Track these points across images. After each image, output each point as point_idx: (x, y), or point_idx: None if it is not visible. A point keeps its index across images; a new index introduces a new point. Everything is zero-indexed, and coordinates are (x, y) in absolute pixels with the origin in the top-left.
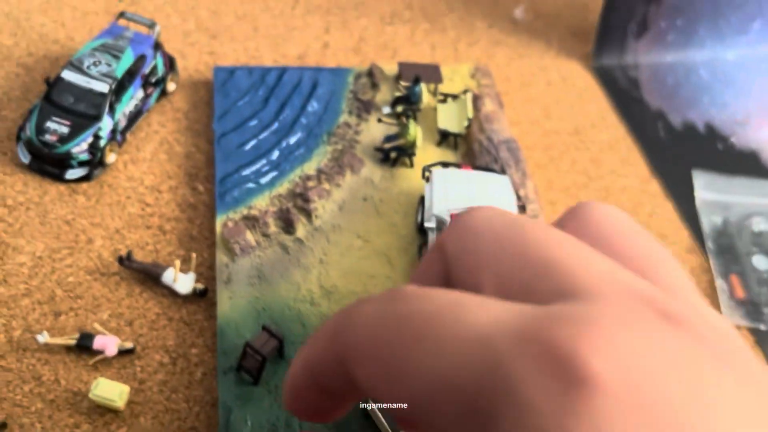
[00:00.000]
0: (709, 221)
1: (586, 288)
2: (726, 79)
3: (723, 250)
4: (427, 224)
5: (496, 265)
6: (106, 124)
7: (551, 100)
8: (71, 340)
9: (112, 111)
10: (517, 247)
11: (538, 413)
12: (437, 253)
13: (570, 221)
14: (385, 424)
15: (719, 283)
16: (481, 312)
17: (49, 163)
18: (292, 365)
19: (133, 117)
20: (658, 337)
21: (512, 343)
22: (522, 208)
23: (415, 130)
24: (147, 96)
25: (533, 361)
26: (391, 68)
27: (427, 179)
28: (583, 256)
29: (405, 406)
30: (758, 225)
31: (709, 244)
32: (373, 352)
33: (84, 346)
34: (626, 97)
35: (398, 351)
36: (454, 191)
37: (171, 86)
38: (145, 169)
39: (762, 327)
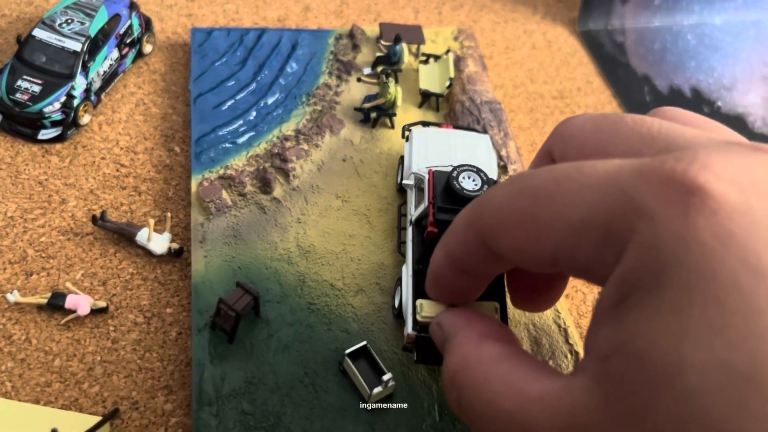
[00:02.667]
0: None
1: (685, 144)
2: (713, 45)
3: None
4: (405, 182)
5: (601, 145)
6: (79, 83)
7: (536, 64)
8: (42, 299)
9: (85, 70)
10: (617, 126)
11: (666, 218)
12: (544, 152)
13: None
14: (361, 380)
15: None
16: (601, 165)
17: (21, 123)
18: (433, 256)
19: (108, 78)
20: (760, 160)
21: (636, 177)
22: (503, 168)
23: (395, 90)
24: (122, 57)
25: (656, 185)
26: (373, 29)
27: (407, 138)
28: (672, 127)
29: (549, 254)
30: None
31: None
32: (514, 219)
33: (56, 305)
34: (612, 61)
35: (537, 211)
36: (433, 149)
37: (147, 48)
38: (120, 131)
39: None
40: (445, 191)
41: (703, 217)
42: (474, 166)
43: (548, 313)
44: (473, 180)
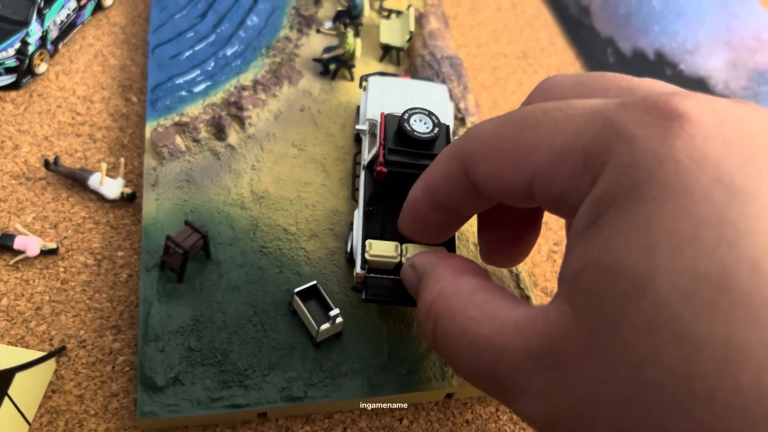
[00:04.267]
0: None
1: (660, 90)
2: (678, 10)
3: None
4: (359, 127)
5: (582, 96)
6: (34, 31)
7: (500, 24)
8: None
9: (41, 17)
10: (597, 80)
11: (644, 140)
12: (526, 105)
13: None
14: (310, 317)
15: None
16: (589, 101)
17: None
18: (412, 190)
19: (66, 28)
20: (739, 104)
21: (619, 107)
22: (461, 120)
23: (354, 41)
24: (81, 7)
25: (638, 112)
26: None
27: (365, 88)
28: (651, 81)
29: (526, 182)
30: None
31: None
32: (495, 144)
33: (4, 245)
34: (577, 24)
35: (519, 136)
36: (389, 97)
37: (108, 1)
38: (77, 80)
39: None
40: (396, 134)
41: (680, 140)
42: (425, 109)
43: None
44: (424, 123)
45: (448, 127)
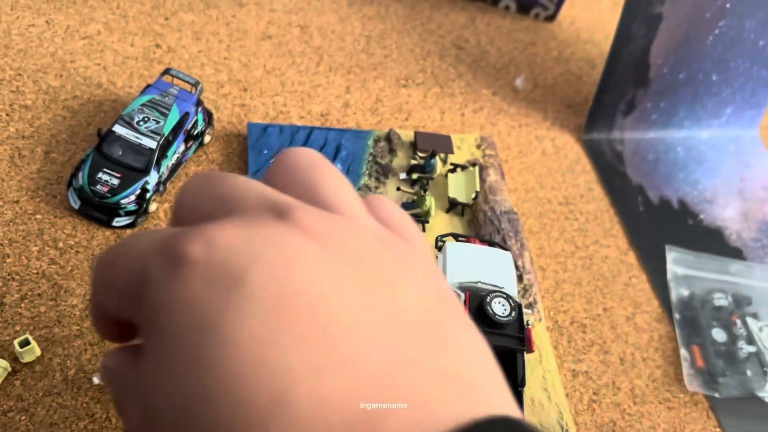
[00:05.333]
0: (677, 294)
1: (240, 207)
2: (699, 157)
3: (687, 322)
4: None
5: (194, 206)
6: (152, 178)
7: (545, 169)
8: None
9: (158, 165)
10: (210, 189)
11: (155, 281)
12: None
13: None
14: None
15: (683, 352)
16: (153, 235)
17: (97, 210)
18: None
19: (174, 168)
20: (260, 230)
21: (153, 248)
22: (519, 278)
23: (430, 201)
24: (187, 149)
25: (156, 255)
26: (407, 134)
27: (440, 248)
28: (247, 187)
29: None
30: (719, 300)
31: (676, 315)
32: (99, 276)
33: None
34: (611, 170)
35: (106, 270)
36: (464, 263)
37: (207, 138)
38: None
39: (716, 395)
40: (477, 312)
41: (176, 281)
42: (504, 292)
43: (552, 414)
44: (503, 305)
45: (520, 305)
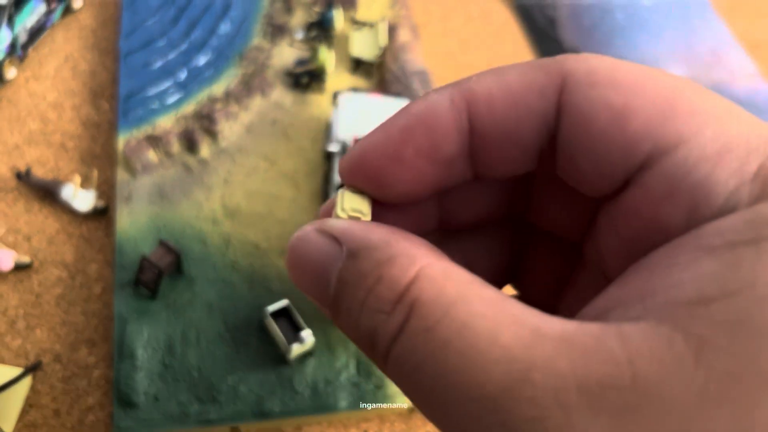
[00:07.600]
0: None
1: None
2: (640, 23)
3: None
4: (330, 149)
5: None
6: (4, 37)
7: (469, 34)
8: None
9: (11, 23)
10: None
11: None
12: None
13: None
14: (282, 337)
15: None
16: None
17: None
18: (425, 98)
19: (35, 32)
20: None
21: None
22: None
23: (325, 55)
24: (50, 11)
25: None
26: None
27: (336, 105)
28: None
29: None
30: None
31: None
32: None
33: None
34: (543, 35)
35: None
36: (360, 116)
37: (77, 3)
38: (47, 86)
39: None
40: None
41: None
42: None
43: None
44: None
45: None
